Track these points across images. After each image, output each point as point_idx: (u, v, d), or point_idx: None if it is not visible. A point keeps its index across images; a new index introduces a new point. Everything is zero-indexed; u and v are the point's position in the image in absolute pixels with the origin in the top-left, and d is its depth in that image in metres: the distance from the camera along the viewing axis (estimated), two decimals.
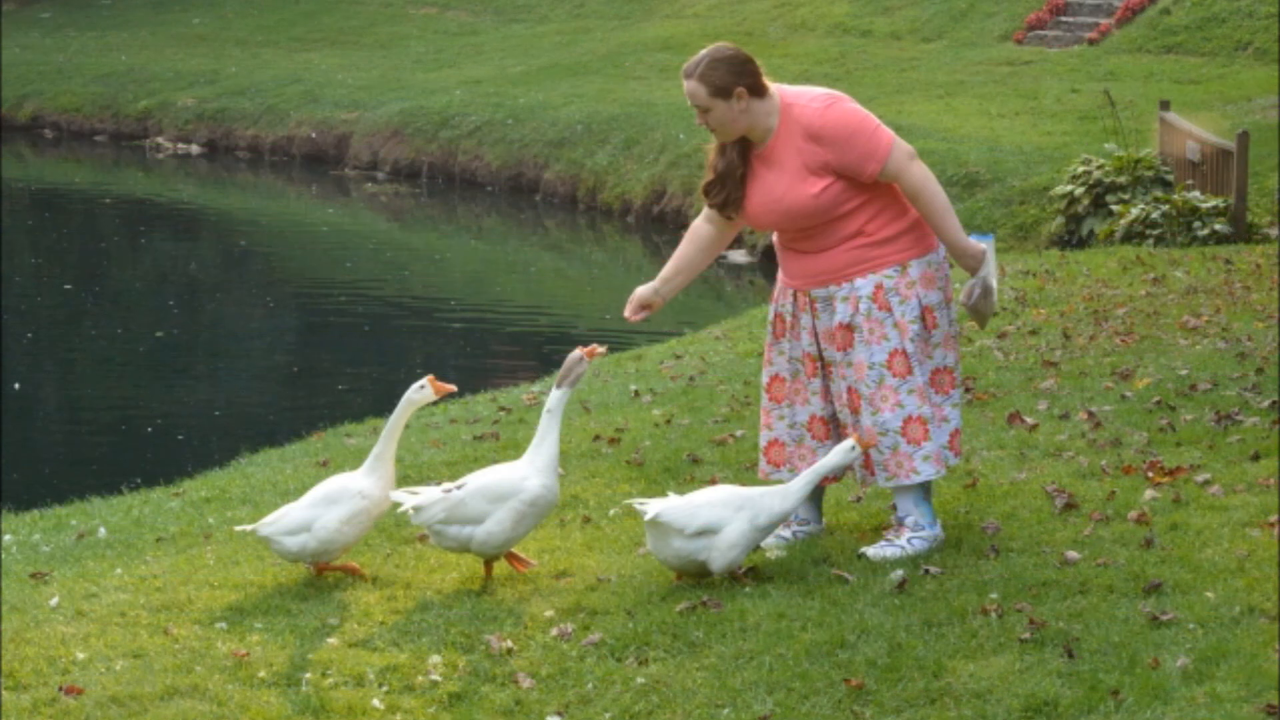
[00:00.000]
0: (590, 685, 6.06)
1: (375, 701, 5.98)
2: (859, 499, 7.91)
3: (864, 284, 7.08)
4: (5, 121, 34.31)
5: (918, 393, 7.09)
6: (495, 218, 27.35)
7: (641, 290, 7.33)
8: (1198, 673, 5.76)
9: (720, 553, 6.82)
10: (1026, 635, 6.15)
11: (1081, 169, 19.50)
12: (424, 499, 7.02)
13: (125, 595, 7.10)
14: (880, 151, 6.98)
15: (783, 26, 32.92)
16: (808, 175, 7.01)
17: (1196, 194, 18.01)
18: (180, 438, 15.01)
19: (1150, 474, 8.00)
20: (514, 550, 7.20)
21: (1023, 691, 5.74)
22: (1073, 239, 19.15)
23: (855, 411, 7.14)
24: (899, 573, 6.79)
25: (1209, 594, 6.43)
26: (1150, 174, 18.98)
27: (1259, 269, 14.85)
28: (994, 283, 7.22)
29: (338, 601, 6.91)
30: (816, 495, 7.42)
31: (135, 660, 6.36)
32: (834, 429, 7.28)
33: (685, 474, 8.58)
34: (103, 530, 8.46)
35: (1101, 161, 19.37)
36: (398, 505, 7.11)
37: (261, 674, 6.21)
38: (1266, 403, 9.34)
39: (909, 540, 7.11)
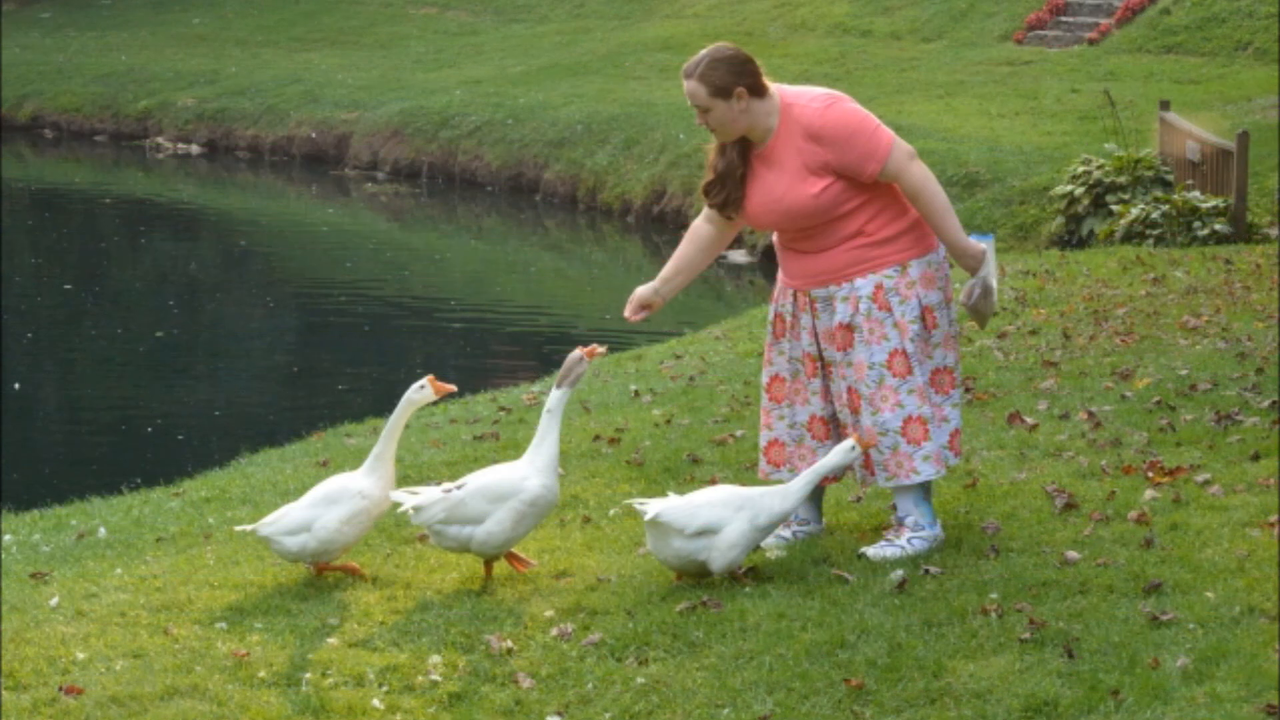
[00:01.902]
0: (590, 685, 6.06)
1: (375, 701, 5.98)
2: (859, 499, 7.91)
3: (864, 284, 7.08)
4: (5, 121, 34.31)
5: (918, 393, 7.09)
6: (495, 218, 27.35)
7: (641, 290, 7.33)
8: (1198, 673, 5.76)
9: (720, 553, 6.82)
10: (1026, 635, 6.15)
11: (1081, 169, 19.50)
12: (424, 499, 7.02)
13: (125, 595, 7.10)
14: (880, 151, 6.98)
15: (783, 26, 32.93)
16: (808, 175, 7.01)
17: (1196, 194, 18.02)
18: (180, 438, 15.01)
19: (1150, 474, 8.00)
20: (514, 550, 7.20)
21: (1023, 691, 5.74)
22: (1073, 239, 19.15)
23: (855, 411, 7.14)
24: (899, 573, 6.79)
25: (1209, 594, 6.43)
26: (1150, 174, 18.99)
27: (1259, 269, 14.85)
28: (994, 283, 7.22)
29: (338, 601, 6.91)
30: (816, 495, 7.42)
31: (135, 660, 6.36)
32: (834, 429, 7.28)
33: (685, 474, 8.58)
34: (103, 530, 8.46)
35: (1101, 161, 19.37)
36: (398, 505, 7.12)
37: (261, 674, 6.21)
38: (1266, 403, 9.35)
39: (909, 540, 7.11)
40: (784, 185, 7.03)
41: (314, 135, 30.97)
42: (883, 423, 7.07)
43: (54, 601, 7.04)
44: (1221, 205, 17.64)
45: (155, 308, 21.39)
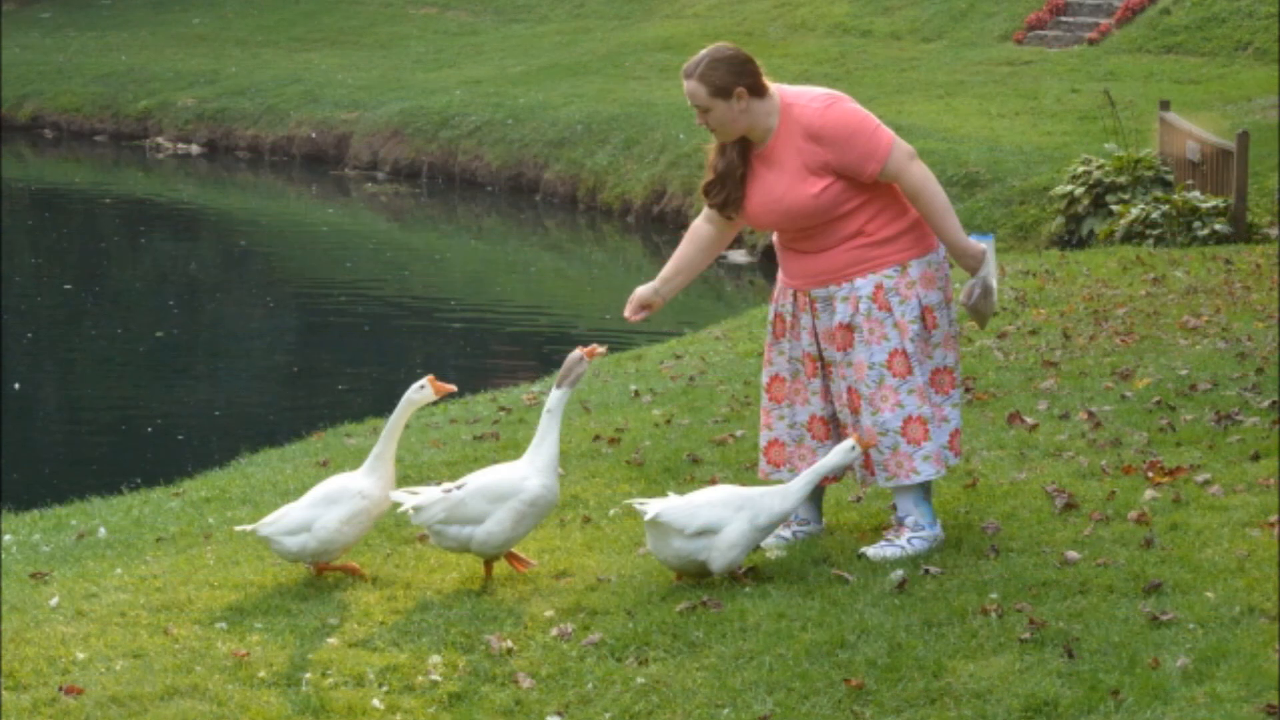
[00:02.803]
0: (590, 685, 6.05)
1: (375, 701, 5.98)
2: (859, 499, 7.91)
3: (864, 284, 7.08)
4: (5, 121, 34.31)
5: (918, 393, 7.09)
6: (495, 218, 27.35)
7: (641, 290, 7.33)
8: (1198, 673, 5.76)
9: (720, 553, 6.81)
10: (1026, 635, 6.14)
11: (1081, 169, 19.51)
12: (424, 499, 7.02)
13: (125, 595, 7.10)
14: (880, 151, 6.98)
15: (783, 26, 32.93)
16: (808, 175, 7.01)
17: (1196, 194, 18.02)
18: (180, 438, 15.01)
19: (1150, 474, 8.00)
20: (514, 550, 7.20)
21: (1023, 691, 5.74)
22: (1073, 239, 19.15)
23: (855, 411, 7.13)
24: (899, 573, 6.79)
25: (1209, 594, 6.43)
26: (1150, 174, 18.99)
27: (1259, 269, 14.85)
28: (994, 283, 7.22)
29: (338, 601, 6.91)
30: (816, 495, 7.42)
31: (135, 660, 6.36)
32: (834, 429, 7.28)
33: (685, 474, 8.58)
34: (103, 530, 8.46)
35: (1101, 161, 19.37)
36: (398, 505, 7.11)
37: (261, 674, 6.20)
38: (1266, 403, 9.34)
39: (909, 540, 7.11)
40: (784, 185, 7.03)
41: (314, 135, 30.97)
42: (883, 423, 7.07)
43: (54, 601, 7.04)
44: (1221, 205, 17.64)
45: (155, 308, 21.39)
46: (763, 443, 7.40)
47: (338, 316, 20.68)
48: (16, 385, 16.88)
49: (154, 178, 31.14)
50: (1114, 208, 18.60)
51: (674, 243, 7.93)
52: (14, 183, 30.16)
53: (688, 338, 14.47)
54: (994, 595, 6.53)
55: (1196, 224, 17.55)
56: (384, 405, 9.30)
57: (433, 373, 7.41)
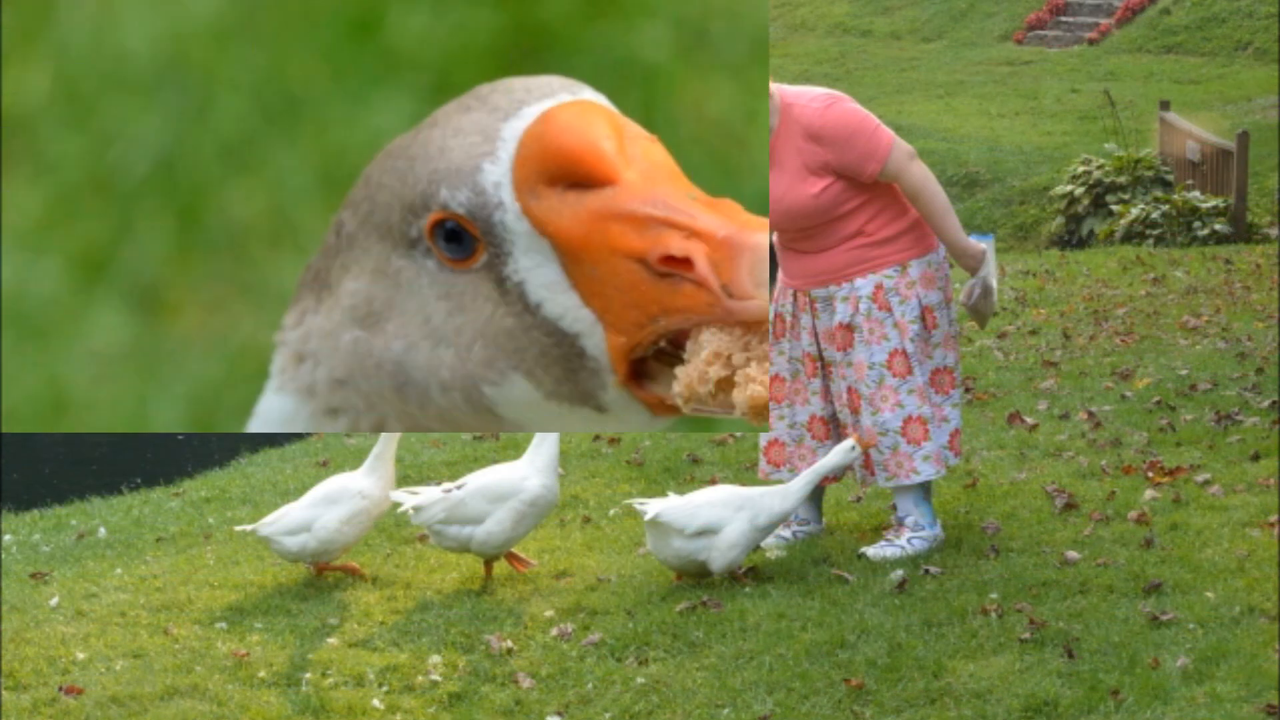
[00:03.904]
0: (590, 685, 6.05)
1: (375, 701, 5.97)
2: (859, 499, 7.91)
3: (864, 284, 7.08)
4: None
5: (918, 393, 7.09)
6: None
7: None
8: (1198, 673, 5.76)
9: (720, 553, 6.81)
10: (1026, 635, 6.14)
11: (1081, 169, 19.53)
12: (424, 499, 7.02)
13: (125, 595, 7.10)
14: (880, 151, 6.98)
15: (783, 26, 32.94)
16: (807, 175, 7.01)
17: (1196, 194, 18.03)
18: (180, 438, 15.01)
19: (1150, 474, 8.00)
20: (514, 550, 7.20)
21: (1023, 691, 5.73)
22: (1073, 239, 19.17)
23: (855, 411, 7.14)
24: (899, 573, 6.79)
25: (1209, 594, 6.43)
26: (1150, 174, 19.01)
27: (1259, 269, 14.86)
28: (994, 283, 7.23)
29: (338, 601, 6.91)
30: (816, 495, 7.42)
31: (135, 660, 6.36)
32: (834, 429, 7.28)
33: (685, 474, 8.58)
34: (103, 530, 8.46)
35: (1101, 161, 19.40)
36: (398, 505, 7.12)
37: (261, 674, 6.20)
38: (1266, 403, 9.35)
39: (909, 540, 7.11)
40: (784, 185, 7.03)
41: None
42: (883, 423, 7.07)
43: (54, 601, 7.04)
44: (1221, 205, 17.66)
45: None
46: (763, 443, 7.40)
47: None
48: None
49: None
50: (1114, 208, 18.61)
51: None
52: None
53: None
54: (994, 595, 6.53)
55: (1196, 224, 17.57)
56: None
57: None
